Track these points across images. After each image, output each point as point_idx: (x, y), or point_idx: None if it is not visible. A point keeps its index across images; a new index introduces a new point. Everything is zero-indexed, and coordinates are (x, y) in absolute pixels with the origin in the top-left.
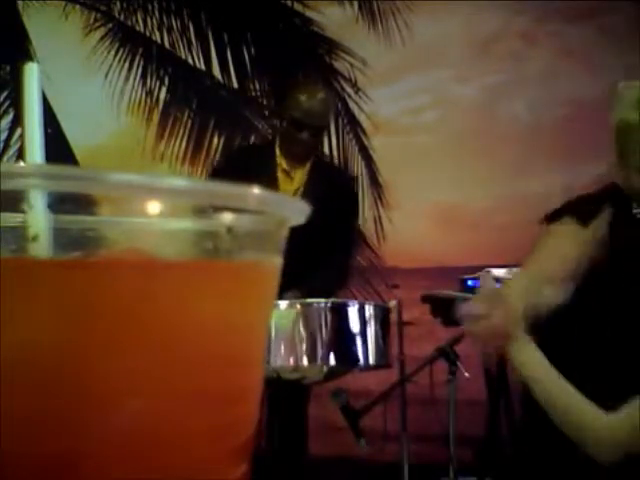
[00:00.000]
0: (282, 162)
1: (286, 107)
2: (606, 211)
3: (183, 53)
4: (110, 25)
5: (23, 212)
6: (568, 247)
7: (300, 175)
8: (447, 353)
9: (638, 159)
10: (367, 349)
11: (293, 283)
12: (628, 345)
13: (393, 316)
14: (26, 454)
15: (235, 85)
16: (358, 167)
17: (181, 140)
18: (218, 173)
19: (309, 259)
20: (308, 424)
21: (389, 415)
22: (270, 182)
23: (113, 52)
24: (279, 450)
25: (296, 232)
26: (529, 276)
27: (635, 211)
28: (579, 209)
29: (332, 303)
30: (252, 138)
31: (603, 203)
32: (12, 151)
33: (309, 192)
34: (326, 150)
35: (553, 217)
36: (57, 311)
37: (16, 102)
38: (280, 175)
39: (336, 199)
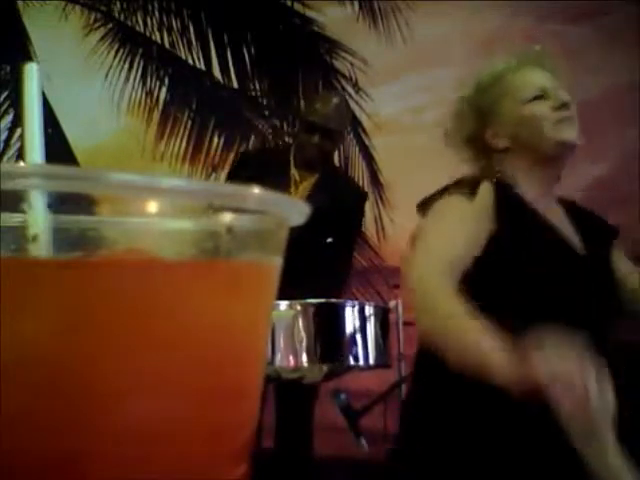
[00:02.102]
0: (295, 173)
1: (302, 115)
2: (485, 184)
3: (183, 53)
4: (110, 25)
5: (23, 212)
6: (468, 223)
7: (306, 185)
8: None
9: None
10: (367, 349)
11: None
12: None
13: (393, 316)
14: (27, 453)
15: (235, 85)
16: (359, 166)
17: (181, 140)
18: (234, 172)
19: (301, 266)
20: (313, 424)
21: (389, 415)
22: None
23: (113, 52)
24: (286, 450)
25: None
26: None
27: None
28: (461, 185)
29: (332, 303)
30: (252, 138)
31: (479, 179)
32: (12, 151)
33: (310, 202)
34: None
35: (437, 196)
36: (57, 311)
37: (16, 102)
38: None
39: (338, 212)
